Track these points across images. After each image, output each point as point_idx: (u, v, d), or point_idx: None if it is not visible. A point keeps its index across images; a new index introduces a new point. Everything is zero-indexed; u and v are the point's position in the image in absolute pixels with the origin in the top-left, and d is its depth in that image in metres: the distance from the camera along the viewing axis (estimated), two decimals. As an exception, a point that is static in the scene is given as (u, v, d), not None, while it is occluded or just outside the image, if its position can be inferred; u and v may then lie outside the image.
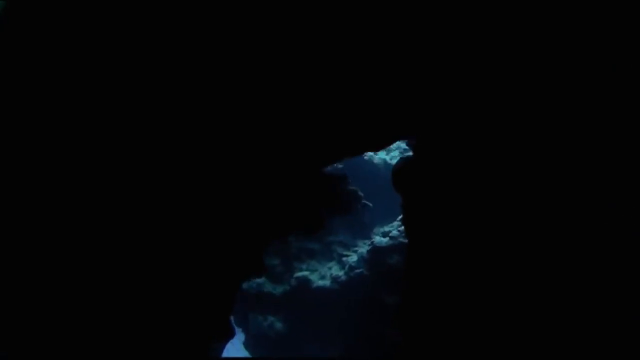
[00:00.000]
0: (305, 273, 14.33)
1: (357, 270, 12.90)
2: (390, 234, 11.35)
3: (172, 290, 7.52)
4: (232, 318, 17.88)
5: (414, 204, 7.57)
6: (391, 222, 13.17)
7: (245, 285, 15.23)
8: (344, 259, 14.05)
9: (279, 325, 14.42)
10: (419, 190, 7.29)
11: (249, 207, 7.95)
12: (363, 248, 13.32)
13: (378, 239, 11.66)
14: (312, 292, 13.91)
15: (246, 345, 15.27)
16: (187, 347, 7.49)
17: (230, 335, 8.44)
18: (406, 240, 10.40)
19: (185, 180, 7.29)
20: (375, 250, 11.59)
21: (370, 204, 11.52)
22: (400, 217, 11.99)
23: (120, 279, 6.90)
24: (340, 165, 11.62)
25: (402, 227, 10.91)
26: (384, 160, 14.70)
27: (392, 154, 14.76)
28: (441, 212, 7.18)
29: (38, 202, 5.40)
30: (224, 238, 7.99)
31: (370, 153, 14.36)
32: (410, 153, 10.19)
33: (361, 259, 12.98)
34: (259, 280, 15.14)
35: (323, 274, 14.21)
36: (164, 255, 7.33)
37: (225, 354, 20.15)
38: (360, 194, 10.42)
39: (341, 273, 13.66)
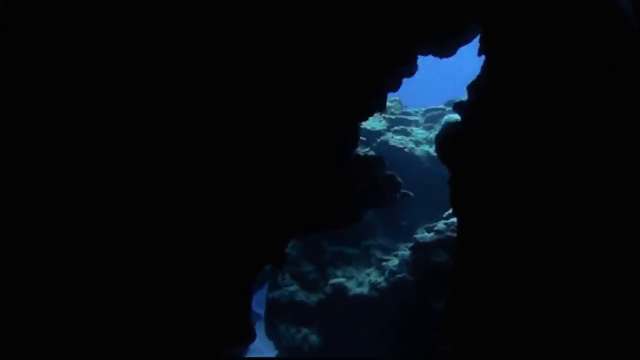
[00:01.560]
0: (341, 280, 13.03)
1: (399, 275, 11.46)
2: (436, 228, 9.90)
3: (181, 284, 6.54)
4: (262, 325, 16.74)
5: (466, 180, 6.23)
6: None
7: (276, 294, 14.13)
8: (384, 263, 12.64)
9: (313, 337, 13.12)
10: (473, 161, 5.98)
11: (266, 192, 6.91)
12: (405, 251, 11.89)
13: (421, 235, 10.21)
14: (349, 300, 12.55)
15: (279, 360, 14.01)
16: (196, 351, 6.40)
17: (251, 337, 7.30)
18: (455, 234, 8.93)
19: (199, 162, 6.44)
20: (419, 247, 10.14)
21: (411, 194, 10.15)
22: (447, 212, 10.52)
23: (124, 273, 6.07)
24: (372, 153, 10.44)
25: (450, 220, 9.46)
26: (427, 153, 13.23)
27: None
28: (503, 190, 5.81)
29: (38, 202, 5.05)
30: (239, 227, 6.96)
31: (412, 145, 12.99)
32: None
33: (403, 262, 11.54)
34: (291, 288, 13.98)
35: (361, 281, 12.85)
36: (171, 245, 6.41)
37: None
38: (399, 180, 9.11)
39: (381, 279, 12.25)
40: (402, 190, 9.42)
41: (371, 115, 7.33)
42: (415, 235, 10.45)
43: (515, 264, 6.12)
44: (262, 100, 6.16)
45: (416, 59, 7.25)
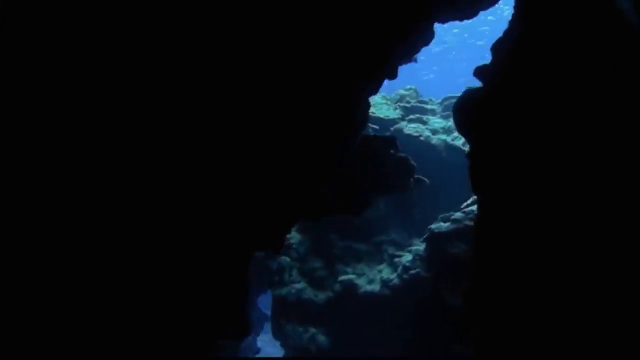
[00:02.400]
0: (351, 276, 12.26)
1: (413, 271, 10.65)
2: (453, 217, 9.06)
3: (171, 269, 5.92)
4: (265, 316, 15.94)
5: (487, 154, 5.45)
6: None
7: (283, 292, 13.43)
8: (396, 259, 11.84)
9: (321, 337, 12.36)
10: (496, 132, 5.20)
11: (263, 175, 6.27)
12: (420, 246, 11.07)
13: (437, 224, 9.39)
14: (359, 298, 11.78)
15: (285, 361, 13.28)
16: (183, 345, 5.74)
17: (245, 330, 6.61)
18: (473, 224, 8.12)
19: (194, 148, 5.85)
20: (434, 238, 9.31)
21: (426, 180, 9.35)
22: (466, 203, 9.69)
23: (115, 257, 5.51)
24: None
25: (469, 209, 8.63)
26: (444, 141, 12.37)
27: (455, 133, 12.35)
28: (531, 167, 5.03)
29: (35, 201, 4.87)
30: (234, 212, 6.32)
31: (427, 133, 12.16)
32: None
33: (417, 257, 10.73)
34: (298, 285, 13.26)
35: (372, 278, 12.06)
36: (163, 230, 5.82)
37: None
38: (413, 163, 8.33)
39: (393, 276, 11.45)
40: (416, 176, 8.64)
41: (380, 84, 6.60)
42: (431, 226, 9.64)
43: (544, 253, 5.32)
44: (259, 64, 5.52)
45: (431, 24, 6.52)
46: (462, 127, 5.53)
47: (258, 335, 18.18)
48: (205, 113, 5.51)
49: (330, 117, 6.48)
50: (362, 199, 7.60)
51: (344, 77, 6.05)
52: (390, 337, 11.08)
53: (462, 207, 10.04)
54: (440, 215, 9.71)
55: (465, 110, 5.37)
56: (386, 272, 11.91)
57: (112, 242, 5.39)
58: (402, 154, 8.10)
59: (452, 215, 9.16)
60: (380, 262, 12.61)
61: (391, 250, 12.50)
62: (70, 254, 5.11)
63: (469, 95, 5.50)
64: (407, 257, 11.38)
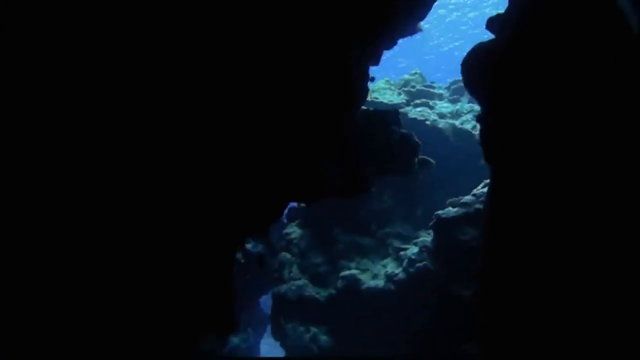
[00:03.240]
0: (354, 272, 11.51)
1: (419, 264, 9.87)
2: (462, 201, 8.27)
3: (150, 256, 5.28)
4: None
5: (501, 117, 4.71)
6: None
7: (282, 289, 12.71)
8: (402, 253, 11.07)
9: (323, 337, 11.62)
10: (512, 92, 4.46)
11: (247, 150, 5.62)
12: (427, 237, 10.29)
13: (444, 210, 8.59)
14: (363, 295, 11.02)
15: (286, 363, 12.55)
16: (160, 339, 5.07)
17: (230, 326, 5.91)
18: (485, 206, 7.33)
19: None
20: (442, 224, 8.52)
21: (432, 161, 8.56)
22: (476, 190, 8.89)
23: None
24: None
25: (480, 191, 7.85)
26: (452, 125, 11.56)
27: (464, 117, 11.51)
28: (554, 133, 4.28)
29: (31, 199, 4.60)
30: (217, 194, 5.66)
31: (434, 117, 11.35)
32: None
33: (424, 249, 9.95)
34: (299, 282, 12.54)
35: (376, 273, 11.30)
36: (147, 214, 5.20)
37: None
38: (417, 140, 7.58)
39: (398, 270, 10.68)
40: (421, 157, 7.88)
41: (379, 52, 5.88)
42: (438, 212, 8.84)
43: (565, 236, 4.57)
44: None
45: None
46: (471, 85, 4.79)
47: (261, 337, 17.47)
48: (197, 81, 4.88)
49: (325, 84, 5.79)
50: (363, 179, 6.88)
51: (339, 37, 5.35)
52: (395, 335, 10.30)
53: (472, 192, 9.25)
54: (449, 200, 8.91)
55: (477, 66, 4.63)
56: (391, 267, 11.14)
57: (97, 225, 4.82)
58: (405, 131, 7.35)
59: (462, 199, 8.37)
60: (385, 257, 11.84)
61: (396, 243, 11.73)
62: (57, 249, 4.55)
63: (481, 49, 4.75)
64: (412, 250, 10.61)
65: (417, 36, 8.52)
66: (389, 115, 7.04)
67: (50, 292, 4.72)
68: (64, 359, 4.72)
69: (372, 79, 6.65)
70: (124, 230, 5.16)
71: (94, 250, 4.88)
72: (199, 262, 5.62)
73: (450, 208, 8.50)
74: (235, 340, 14.85)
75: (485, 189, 7.68)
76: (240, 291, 14.45)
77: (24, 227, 4.50)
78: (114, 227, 5.01)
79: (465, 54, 5.06)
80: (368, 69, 6.67)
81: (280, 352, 13.97)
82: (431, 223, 9.07)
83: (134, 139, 4.86)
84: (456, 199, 8.60)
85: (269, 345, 18.13)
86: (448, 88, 13.28)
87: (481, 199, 7.84)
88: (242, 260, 15.07)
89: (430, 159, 8.40)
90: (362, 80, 6.66)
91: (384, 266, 11.41)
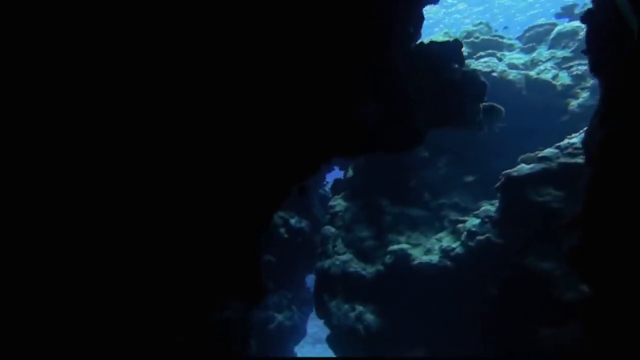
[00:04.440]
0: (404, 246, 10.32)
1: (481, 237, 8.51)
2: (541, 155, 6.76)
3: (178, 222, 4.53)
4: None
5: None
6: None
7: (326, 264, 11.79)
8: (460, 225, 9.72)
9: (370, 317, 10.61)
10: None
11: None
12: (491, 206, 8.87)
13: (516, 168, 7.09)
14: (414, 271, 9.83)
15: (331, 342, 11.70)
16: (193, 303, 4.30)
17: (258, 294, 5.03)
18: (573, 160, 5.86)
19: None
20: (512, 184, 7.05)
21: (502, 109, 7.01)
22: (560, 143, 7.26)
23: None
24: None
25: (566, 142, 6.31)
26: (525, 76, 9.78)
27: (542, 66, 9.64)
28: None
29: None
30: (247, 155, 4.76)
31: (503, 67, 9.63)
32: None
33: (487, 219, 8.56)
34: (343, 257, 11.56)
35: (429, 248, 10.05)
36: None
37: (303, 353, 16.80)
38: (484, 80, 6.17)
39: (456, 244, 9.36)
40: (487, 103, 6.47)
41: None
42: (507, 170, 7.37)
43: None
44: None
45: None
46: None
47: (307, 316, 16.80)
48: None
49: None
50: (413, 129, 5.67)
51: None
52: (452, 317, 9.06)
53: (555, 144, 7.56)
54: (521, 157, 7.36)
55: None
56: (447, 241, 9.83)
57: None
58: (470, 68, 5.98)
59: (539, 152, 6.84)
60: (440, 230, 10.53)
61: (453, 215, 10.37)
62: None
63: None
64: (472, 222, 9.23)
65: None
66: (449, 49, 5.70)
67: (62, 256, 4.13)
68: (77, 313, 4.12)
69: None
70: (147, 187, 4.41)
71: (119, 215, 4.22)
72: (228, 223, 4.76)
73: (524, 165, 7.01)
74: (279, 317, 14.25)
75: (575, 139, 6.15)
76: (283, 268, 13.83)
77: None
78: (137, 186, 4.31)
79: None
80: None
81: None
82: (497, 184, 7.61)
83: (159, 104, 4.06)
84: (531, 154, 7.07)
85: (317, 327, 17.44)
86: (521, 37, 11.40)
87: (568, 151, 6.30)
88: (285, 236, 14.39)
89: (499, 106, 6.91)
90: (414, 6, 5.41)
91: (439, 240, 10.12)
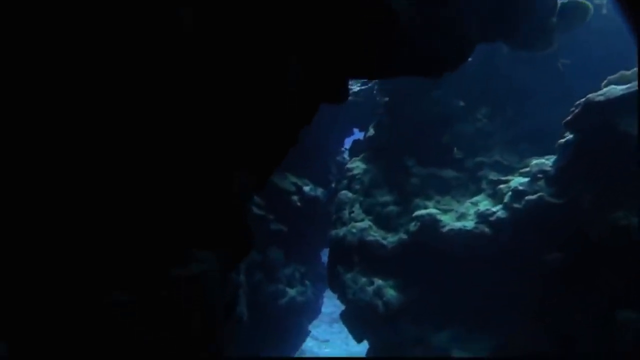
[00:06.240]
0: (433, 211, 8.76)
1: (531, 197, 6.87)
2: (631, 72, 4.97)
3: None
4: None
5: None
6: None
7: (340, 232, 10.35)
8: (501, 186, 8.07)
9: (390, 292, 9.17)
10: None
11: None
12: (544, 160, 7.18)
13: (602, 91, 5.25)
14: (444, 239, 8.30)
15: (345, 318, 10.35)
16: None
17: (243, 247, 3.63)
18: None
19: None
20: (592, 111, 5.22)
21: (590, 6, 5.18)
22: None
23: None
24: None
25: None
26: None
27: None
28: None
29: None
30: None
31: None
32: None
33: (540, 175, 6.90)
34: (361, 224, 10.08)
35: (462, 212, 8.46)
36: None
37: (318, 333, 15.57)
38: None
39: (497, 208, 7.74)
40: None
41: None
42: (590, 95, 5.43)
43: None
44: None
45: None
46: None
47: (322, 292, 15.52)
48: None
49: None
50: (458, 35, 4.07)
51: None
52: (489, 295, 7.53)
53: None
54: (609, 78, 5.42)
55: None
56: (485, 205, 8.21)
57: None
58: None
59: (628, 72, 5.07)
60: (476, 194, 8.90)
61: (493, 176, 8.70)
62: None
63: None
64: (519, 180, 7.57)
65: None
66: None
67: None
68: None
69: None
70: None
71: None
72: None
73: (614, 86, 5.16)
74: (291, 291, 13.02)
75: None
76: (295, 239, 12.46)
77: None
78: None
79: None
80: None
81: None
82: (568, 118, 5.75)
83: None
84: (625, 72, 5.22)
85: (335, 307, 16.20)
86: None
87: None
88: (299, 204, 13.03)
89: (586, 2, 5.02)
90: None
91: (474, 204, 8.50)
